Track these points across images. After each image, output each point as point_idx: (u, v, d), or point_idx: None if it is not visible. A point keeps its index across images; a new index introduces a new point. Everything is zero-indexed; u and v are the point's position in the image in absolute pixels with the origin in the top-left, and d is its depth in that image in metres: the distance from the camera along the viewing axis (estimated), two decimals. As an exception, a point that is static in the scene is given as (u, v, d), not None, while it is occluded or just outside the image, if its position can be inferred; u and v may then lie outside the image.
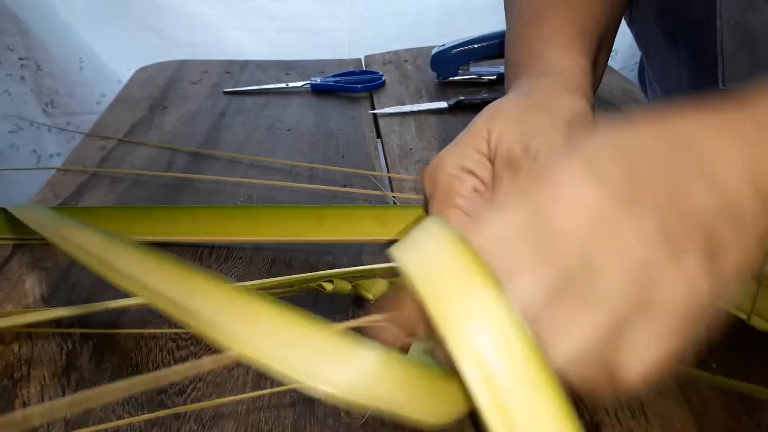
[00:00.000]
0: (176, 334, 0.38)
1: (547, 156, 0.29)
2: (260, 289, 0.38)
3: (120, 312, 0.40)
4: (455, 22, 0.76)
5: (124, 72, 0.85)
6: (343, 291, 0.39)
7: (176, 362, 0.36)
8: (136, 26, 1.18)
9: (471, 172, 0.32)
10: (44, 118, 1.21)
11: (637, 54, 0.62)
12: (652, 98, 0.60)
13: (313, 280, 0.39)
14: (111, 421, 0.32)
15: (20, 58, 1.15)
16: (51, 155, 1.23)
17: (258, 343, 0.20)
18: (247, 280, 0.40)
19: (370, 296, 0.38)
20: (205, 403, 0.33)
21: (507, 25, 0.45)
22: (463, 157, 0.32)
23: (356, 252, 0.45)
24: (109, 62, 1.19)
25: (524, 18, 0.42)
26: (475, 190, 0.31)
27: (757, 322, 0.34)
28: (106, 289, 0.42)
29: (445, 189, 0.32)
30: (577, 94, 0.35)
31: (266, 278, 0.39)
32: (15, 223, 0.42)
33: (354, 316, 0.35)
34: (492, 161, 0.32)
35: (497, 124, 0.32)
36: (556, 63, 0.38)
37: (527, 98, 0.34)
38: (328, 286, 0.39)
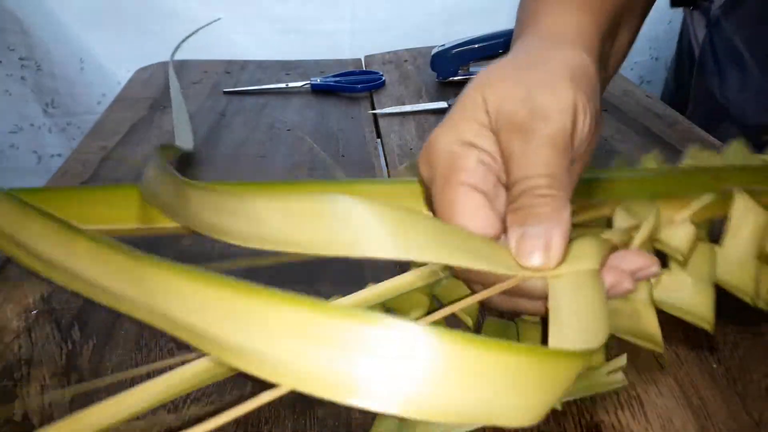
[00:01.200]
0: (176, 334, 0.38)
1: (562, 115, 0.27)
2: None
3: (120, 312, 0.40)
4: (460, 24, 0.76)
5: (124, 74, 0.85)
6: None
7: (176, 363, 0.36)
8: (135, 29, 1.17)
9: (472, 145, 0.28)
10: (45, 118, 1.21)
11: (638, 53, 0.62)
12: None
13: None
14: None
15: (21, 58, 1.15)
16: (52, 156, 1.23)
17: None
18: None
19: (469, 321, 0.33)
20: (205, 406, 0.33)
21: None
22: (460, 131, 0.28)
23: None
24: (108, 64, 1.19)
25: None
26: (481, 162, 0.28)
27: (763, 305, 0.34)
28: (106, 289, 0.42)
29: (446, 168, 0.28)
30: (570, 47, 0.31)
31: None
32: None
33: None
34: (494, 131, 0.28)
35: (493, 90, 0.28)
36: (550, 20, 0.34)
37: (520, 58, 0.31)
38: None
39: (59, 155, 1.20)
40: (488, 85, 0.29)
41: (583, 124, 0.28)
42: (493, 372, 0.16)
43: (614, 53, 0.39)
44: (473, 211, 0.27)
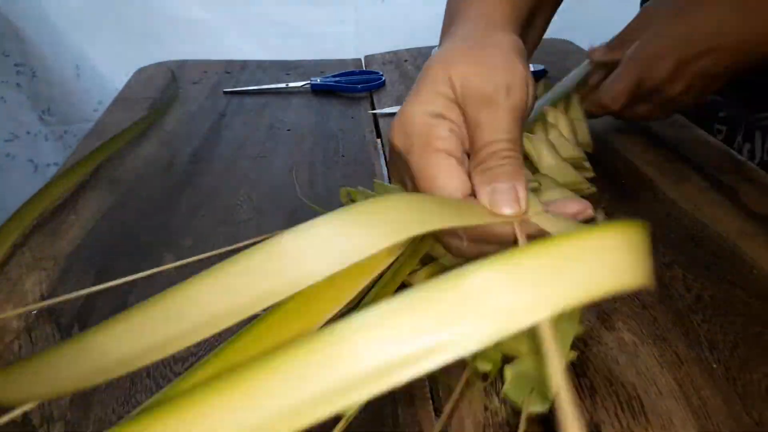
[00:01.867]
0: (176, 334, 0.38)
1: (519, 88, 0.32)
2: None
3: (120, 312, 0.40)
4: None
5: (122, 79, 0.84)
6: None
7: (176, 362, 0.36)
8: (134, 34, 1.16)
9: (443, 116, 0.32)
10: (41, 125, 1.19)
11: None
12: None
13: None
14: (111, 421, 0.32)
15: (16, 65, 1.12)
16: (48, 164, 1.21)
17: None
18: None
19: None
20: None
21: None
22: (430, 105, 0.32)
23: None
24: (105, 70, 1.17)
25: None
26: (452, 131, 0.32)
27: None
28: (106, 288, 0.42)
29: (422, 136, 0.32)
30: (510, 31, 0.36)
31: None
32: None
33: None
34: (460, 104, 0.32)
35: (456, 69, 0.32)
36: (483, 9, 0.39)
37: (472, 41, 0.35)
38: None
39: (56, 164, 1.17)
40: (451, 63, 0.33)
41: (532, 94, 0.34)
42: (582, 255, 0.17)
43: (530, 38, 0.50)
44: (451, 172, 0.31)
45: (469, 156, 0.32)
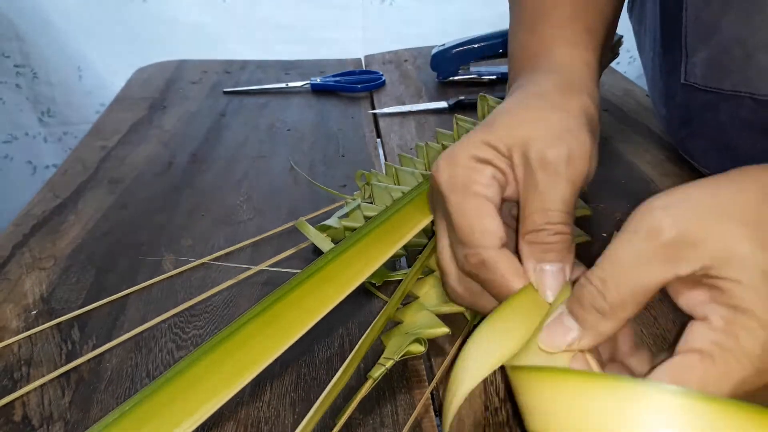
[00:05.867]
0: (176, 334, 0.38)
1: (581, 160, 0.31)
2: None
3: (120, 312, 0.40)
4: (474, 30, 0.75)
5: (124, 82, 0.84)
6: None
7: (176, 362, 0.36)
8: (137, 38, 1.15)
9: (488, 162, 0.32)
10: (40, 127, 1.18)
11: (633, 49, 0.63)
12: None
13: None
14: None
15: (16, 65, 1.12)
16: (47, 166, 1.20)
17: None
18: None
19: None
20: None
21: (510, 16, 0.45)
22: (480, 150, 0.32)
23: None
24: (108, 73, 1.16)
25: (528, 11, 0.42)
26: (494, 177, 0.31)
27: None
28: (105, 288, 0.42)
29: (463, 178, 0.31)
30: (584, 93, 0.35)
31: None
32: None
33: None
34: (510, 158, 0.32)
35: (520, 130, 0.32)
36: (562, 60, 0.38)
37: (540, 99, 0.34)
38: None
39: (55, 166, 1.17)
40: (516, 121, 0.32)
41: (593, 167, 0.32)
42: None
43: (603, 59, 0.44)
44: (490, 217, 0.31)
45: (517, 214, 0.32)
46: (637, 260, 0.24)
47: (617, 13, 0.46)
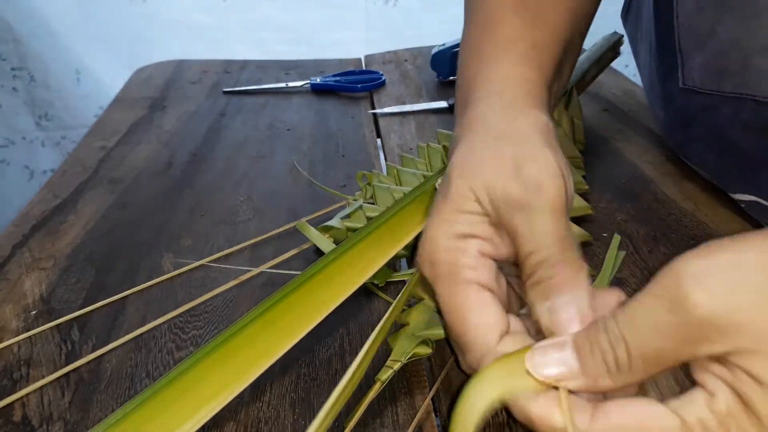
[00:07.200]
0: (176, 335, 0.38)
1: (552, 183, 0.28)
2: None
3: (120, 312, 0.40)
4: None
5: (121, 86, 0.84)
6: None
7: (176, 363, 0.36)
8: (134, 39, 1.14)
9: (470, 236, 0.29)
10: (38, 131, 1.17)
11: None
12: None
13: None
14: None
15: (13, 68, 1.10)
16: (44, 171, 1.19)
17: None
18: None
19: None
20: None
21: (464, 26, 0.43)
22: (454, 224, 0.29)
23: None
24: (106, 76, 1.15)
25: (477, 25, 0.41)
26: (481, 253, 0.29)
27: None
28: (105, 288, 0.42)
29: (447, 266, 0.29)
30: (530, 107, 0.33)
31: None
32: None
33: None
34: (489, 215, 0.29)
35: (477, 179, 0.29)
36: (504, 82, 0.35)
37: (490, 134, 0.32)
38: None
39: (52, 170, 1.16)
40: (470, 173, 0.30)
41: (571, 183, 0.29)
42: None
43: (556, 89, 0.41)
44: (484, 308, 0.28)
45: (516, 265, 0.29)
46: (655, 331, 0.22)
47: (580, 27, 0.43)
